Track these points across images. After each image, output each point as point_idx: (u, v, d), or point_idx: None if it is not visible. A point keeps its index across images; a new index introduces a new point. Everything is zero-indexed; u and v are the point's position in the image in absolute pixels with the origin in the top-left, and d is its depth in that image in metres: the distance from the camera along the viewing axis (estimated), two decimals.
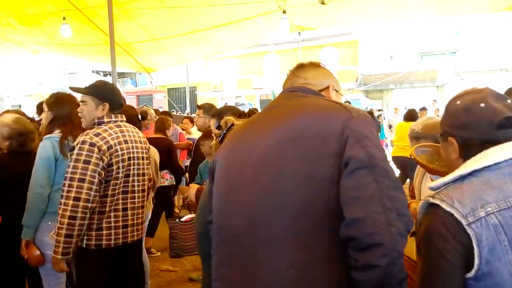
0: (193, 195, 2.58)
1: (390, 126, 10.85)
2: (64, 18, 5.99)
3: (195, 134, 6.61)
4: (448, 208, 1.05)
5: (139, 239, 2.42)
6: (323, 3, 4.96)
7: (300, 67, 1.45)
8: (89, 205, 2.07)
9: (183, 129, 6.90)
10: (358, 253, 1.01)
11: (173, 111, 16.72)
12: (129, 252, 2.38)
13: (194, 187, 2.64)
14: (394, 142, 7.11)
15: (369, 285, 1.00)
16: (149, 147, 2.53)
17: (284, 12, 5.71)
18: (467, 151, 1.15)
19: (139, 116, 3.35)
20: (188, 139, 6.53)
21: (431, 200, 1.10)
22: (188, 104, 22.13)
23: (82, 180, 2.05)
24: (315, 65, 1.45)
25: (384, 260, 0.98)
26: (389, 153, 9.46)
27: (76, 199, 2.04)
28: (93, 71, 31.22)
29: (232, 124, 2.07)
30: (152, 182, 3.13)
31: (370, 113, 10.25)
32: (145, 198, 2.46)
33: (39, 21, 6.65)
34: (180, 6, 5.99)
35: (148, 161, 2.47)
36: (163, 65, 9.72)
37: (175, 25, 6.87)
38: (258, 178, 1.17)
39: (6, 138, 2.65)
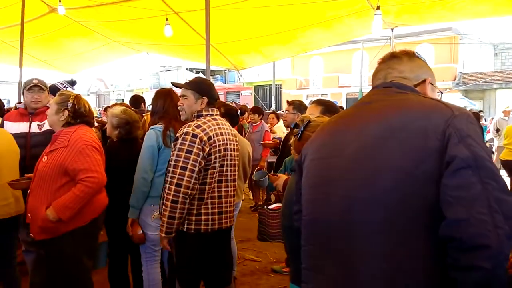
0: (281, 185, 2.68)
1: (497, 130, 9.81)
2: (166, 19, 6.49)
3: (279, 132, 6.73)
4: None
5: (230, 225, 2.58)
6: None
7: (395, 57, 1.39)
8: (189, 191, 2.26)
9: (268, 124, 7.06)
10: (462, 253, 0.98)
11: (259, 107, 17.04)
12: (221, 238, 2.55)
13: (282, 177, 2.73)
14: (505, 146, 6.87)
15: (472, 286, 0.98)
16: (237, 140, 2.67)
17: (378, 8, 5.51)
18: None
19: (238, 112, 3.54)
20: (273, 138, 6.64)
21: None
22: (273, 101, 22.45)
23: (184, 168, 2.24)
24: (410, 56, 1.38)
25: (490, 263, 0.95)
26: (495, 158, 8.70)
27: (178, 185, 2.23)
28: (187, 69, 33.15)
29: (309, 121, 2.09)
30: (242, 172, 3.30)
31: (476, 114, 9.43)
32: (235, 187, 2.61)
33: (142, 24, 7.26)
34: (270, 5, 6.10)
35: (238, 153, 2.62)
36: (252, 63, 9.99)
37: (264, 25, 7.02)
38: (355, 172, 1.18)
39: (116, 127, 3.01)
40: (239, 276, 4.00)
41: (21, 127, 3.20)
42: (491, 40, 24.53)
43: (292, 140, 2.14)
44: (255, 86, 29.37)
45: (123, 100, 35.55)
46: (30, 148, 3.15)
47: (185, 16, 6.74)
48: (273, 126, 7.07)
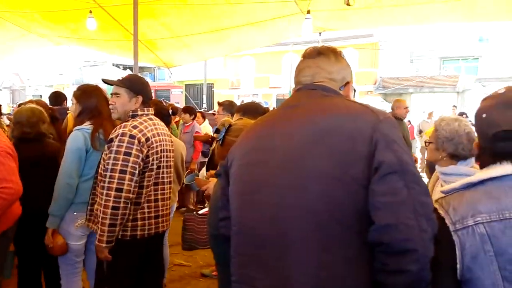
0: (211, 189, 2.61)
1: (420, 132, 10.56)
2: (90, 12, 6.11)
3: (206, 132, 6.65)
4: (442, 214, 1.08)
5: (166, 229, 2.47)
6: (348, 4, 4.91)
7: (322, 54, 1.35)
8: (131, 195, 2.13)
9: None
10: (389, 257, 1.03)
11: (192, 107, 16.79)
12: (154, 243, 2.43)
13: (213, 181, 2.67)
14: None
15: None
16: (172, 141, 2.56)
17: (308, 12, 5.68)
18: (483, 159, 1.14)
19: (170, 111, 3.41)
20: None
21: (434, 204, 1.12)
22: (205, 101, 22.25)
23: (123, 172, 2.10)
24: (337, 55, 1.36)
25: (416, 266, 1.00)
26: (420, 159, 9.31)
27: (119, 190, 2.09)
28: (113, 64, 31.65)
29: (230, 125, 2.07)
30: (175, 175, 3.18)
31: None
32: (170, 190, 2.51)
33: (63, 16, 6.77)
34: (202, 4, 6.01)
35: (173, 154, 2.52)
36: (183, 61, 9.80)
37: (196, 24, 6.91)
38: (283, 178, 1.15)
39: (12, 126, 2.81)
40: (168, 282, 3.86)
41: None
42: (407, 47, 26.53)
43: (214, 146, 2.09)
44: (186, 85, 28.89)
45: (40, 96, 32.97)
46: None
47: (111, 10, 6.39)
48: (199, 125, 6.99)
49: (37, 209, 2.56)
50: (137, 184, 2.17)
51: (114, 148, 2.13)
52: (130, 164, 2.11)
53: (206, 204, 3.10)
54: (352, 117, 1.15)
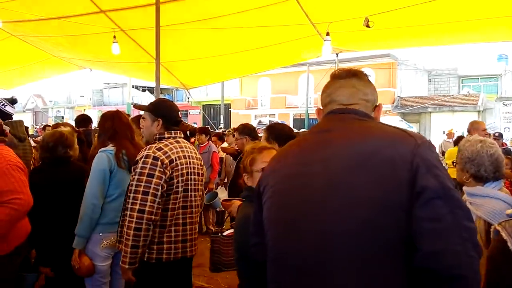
0: (235, 212, 2.61)
1: (443, 153, 10.30)
2: (114, 37, 6.28)
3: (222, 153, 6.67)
4: (505, 237, 1.08)
5: (194, 254, 2.45)
6: (368, 26, 4.92)
7: (356, 76, 1.36)
8: (153, 217, 2.13)
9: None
10: (439, 284, 1.02)
11: (207, 127, 16.99)
12: (182, 268, 2.40)
13: (236, 203, 2.67)
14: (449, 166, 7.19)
15: None
16: (203, 164, 2.57)
17: (327, 34, 5.72)
18: None
19: (188, 133, 3.43)
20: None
21: (497, 226, 1.12)
22: (222, 121, 22.41)
23: (146, 193, 2.11)
24: (368, 77, 1.38)
25: None
26: None
27: (141, 211, 2.10)
28: (133, 86, 32.30)
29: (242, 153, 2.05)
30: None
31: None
32: (198, 214, 2.51)
33: (87, 40, 6.97)
34: (222, 28, 6.12)
35: (202, 177, 2.53)
36: (201, 82, 9.93)
37: (215, 45, 7.02)
38: (327, 205, 1.13)
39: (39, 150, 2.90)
40: None
41: None
42: (425, 67, 26.38)
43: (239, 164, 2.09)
44: (204, 105, 29.25)
45: (62, 117, 33.83)
46: None
47: (132, 33, 6.56)
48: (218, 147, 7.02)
49: (64, 230, 2.58)
50: (160, 206, 2.17)
51: (138, 170, 2.16)
52: (152, 186, 2.12)
53: (225, 226, 3.07)
54: (391, 141, 1.14)
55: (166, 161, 2.20)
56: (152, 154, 2.18)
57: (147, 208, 2.10)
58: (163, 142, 2.30)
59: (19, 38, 7.26)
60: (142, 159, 2.18)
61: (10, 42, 7.37)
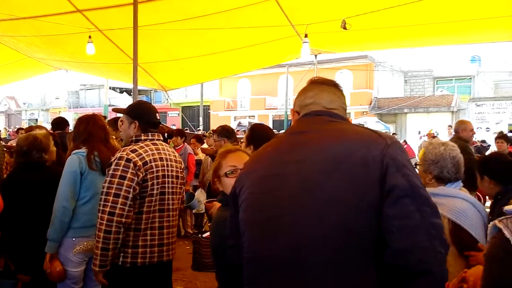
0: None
1: None
2: (89, 37, 6.16)
3: (200, 155, 6.64)
4: (508, 235, 1.07)
5: (171, 258, 2.41)
6: (345, 28, 4.98)
7: (336, 86, 1.42)
8: (123, 219, 2.10)
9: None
10: (406, 280, 1.05)
11: (186, 129, 16.88)
12: (161, 272, 2.37)
13: (216, 205, 2.65)
14: None
15: None
16: (183, 167, 2.54)
17: (305, 36, 5.76)
18: None
19: (165, 135, 3.40)
20: (196, 160, 6.53)
21: (497, 223, 1.11)
22: (201, 122, 22.27)
23: (117, 195, 2.09)
24: (342, 90, 1.46)
25: (433, 287, 1.05)
26: None
27: (111, 213, 2.07)
28: (110, 88, 31.80)
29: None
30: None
31: None
32: (177, 217, 2.47)
33: (62, 40, 6.82)
34: (200, 28, 6.08)
35: (182, 180, 2.50)
36: (180, 83, 9.85)
37: (193, 46, 6.98)
38: (301, 206, 1.15)
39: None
40: None
41: None
42: (402, 68, 26.92)
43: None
44: (183, 107, 29.03)
45: (36, 120, 32.97)
46: None
47: (109, 33, 6.45)
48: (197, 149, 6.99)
49: (37, 235, 2.52)
50: (132, 209, 2.14)
51: (111, 172, 2.14)
52: (124, 188, 2.10)
53: (205, 228, 3.06)
54: (364, 143, 1.17)
55: (140, 163, 2.17)
56: (126, 156, 2.16)
57: (117, 211, 2.07)
58: (139, 144, 2.28)
59: None
60: (115, 161, 2.16)
61: None
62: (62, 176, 2.51)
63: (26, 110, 38.47)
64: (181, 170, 2.48)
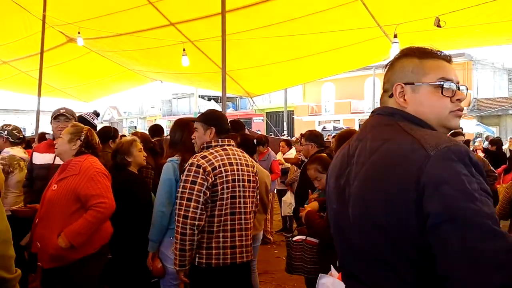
0: (304, 217, 2.65)
1: None
2: (184, 50, 6.57)
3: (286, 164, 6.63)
4: None
5: (246, 261, 2.46)
6: (439, 26, 4.65)
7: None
8: (196, 222, 2.22)
9: (279, 152, 7.00)
10: None
11: (271, 134, 17.11)
12: (237, 273, 2.43)
13: (306, 208, 2.70)
14: None
15: None
16: (256, 171, 2.59)
17: (395, 36, 5.50)
18: None
19: (255, 141, 3.52)
20: (282, 169, 6.52)
21: None
22: (285, 128, 22.43)
23: (189, 200, 2.22)
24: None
25: None
26: None
27: (185, 217, 2.21)
28: (199, 96, 33.59)
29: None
30: (260, 204, 3.22)
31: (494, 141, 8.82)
32: (252, 220, 2.53)
33: (157, 53, 7.37)
34: (286, 35, 6.14)
35: (255, 184, 2.54)
36: (264, 89, 10.03)
37: (278, 52, 7.06)
38: (357, 224, 1.16)
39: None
40: None
41: (46, 158, 3.16)
42: (505, 65, 24.43)
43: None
44: (267, 113, 29.50)
45: (135, 127, 35.94)
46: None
47: (199, 44, 6.81)
48: (284, 154, 6.97)
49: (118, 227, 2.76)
50: (204, 212, 2.24)
51: (184, 178, 2.28)
52: (195, 192, 2.22)
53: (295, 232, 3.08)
54: (401, 159, 1.04)
55: (209, 168, 2.27)
56: (196, 162, 2.27)
57: (190, 214, 2.20)
58: (209, 150, 2.38)
59: (97, 53, 7.87)
60: (188, 167, 2.29)
61: (90, 57, 8.03)
62: (160, 182, 2.72)
63: (126, 119, 42.21)
64: (253, 174, 2.53)
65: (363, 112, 25.19)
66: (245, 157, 2.52)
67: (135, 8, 5.73)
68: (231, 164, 2.37)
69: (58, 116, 3.16)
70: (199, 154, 2.36)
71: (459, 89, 1.16)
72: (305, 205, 2.79)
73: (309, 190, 3.06)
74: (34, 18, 6.37)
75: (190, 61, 6.75)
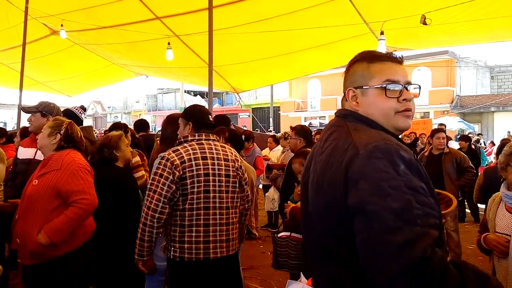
0: (288, 213, 2.65)
1: None
2: (168, 44, 6.49)
3: (274, 158, 6.60)
4: None
5: (229, 255, 2.43)
6: (424, 23, 4.70)
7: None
8: (156, 215, 2.23)
9: (267, 148, 6.99)
10: None
11: (257, 130, 17.07)
12: (220, 268, 2.40)
13: (290, 205, 2.69)
14: None
15: None
16: (241, 166, 2.55)
17: (381, 33, 5.54)
18: None
19: (243, 137, 3.51)
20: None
21: None
22: (271, 123, 22.45)
23: (154, 192, 2.24)
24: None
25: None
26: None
27: (148, 207, 2.24)
28: (185, 91, 33.34)
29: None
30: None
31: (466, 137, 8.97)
32: (233, 215, 2.47)
33: (142, 47, 7.27)
34: (272, 31, 6.12)
35: (235, 179, 2.48)
36: (251, 85, 10.02)
37: (264, 48, 7.05)
38: (311, 219, 1.25)
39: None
40: None
41: (28, 153, 3.11)
42: (487, 63, 24.87)
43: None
44: (253, 108, 29.46)
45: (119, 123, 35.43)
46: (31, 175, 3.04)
47: (186, 39, 6.75)
48: (271, 150, 6.97)
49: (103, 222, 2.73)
50: (167, 206, 2.25)
51: (153, 170, 2.31)
52: (160, 185, 2.24)
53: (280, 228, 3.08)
54: (337, 157, 1.14)
55: (177, 161, 2.27)
56: (166, 156, 2.29)
57: (152, 206, 2.22)
58: (183, 145, 2.39)
59: (81, 46, 7.73)
60: (158, 160, 2.32)
61: (74, 51, 7.87)
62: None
63: (110, 113, 41.67)
64: (234, 169, 2.48)
65: None
66: (226, 152, 2.47)
67: (120, 0, 5.64)
68: (204, 158, 2.33)
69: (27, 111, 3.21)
70: (173, 148, 2.36)
71: (407, 89, 1.21)
72: (289, 201, 2.79)
73: (295, 184, 3.06)
74: (17, 10, 6.22)
75: (176, 55, 6.69)
